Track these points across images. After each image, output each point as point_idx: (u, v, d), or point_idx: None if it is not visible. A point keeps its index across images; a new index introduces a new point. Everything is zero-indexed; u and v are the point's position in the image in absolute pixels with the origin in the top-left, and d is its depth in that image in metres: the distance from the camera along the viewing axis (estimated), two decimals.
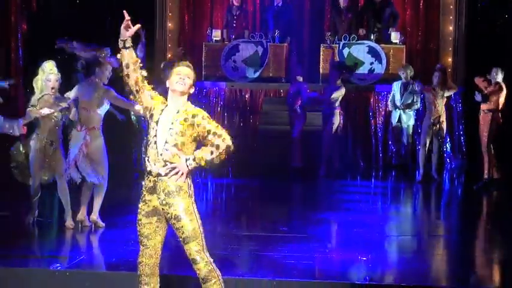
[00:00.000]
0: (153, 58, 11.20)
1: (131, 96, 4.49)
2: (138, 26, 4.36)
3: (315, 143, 11.12)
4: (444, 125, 10.41)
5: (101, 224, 7.07)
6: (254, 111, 12.02)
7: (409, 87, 10.89)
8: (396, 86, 11.03)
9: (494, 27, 11.91)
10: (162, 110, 4.37)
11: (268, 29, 12.50)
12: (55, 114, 6.75)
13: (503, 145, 10.07)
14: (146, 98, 4.41)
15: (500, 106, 9.88)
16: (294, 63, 11.82)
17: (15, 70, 9.90)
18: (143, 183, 4.40)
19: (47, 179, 6.95)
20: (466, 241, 7.14)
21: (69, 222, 6.96)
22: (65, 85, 7.01)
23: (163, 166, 4.30)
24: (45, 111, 6.68)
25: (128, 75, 4.36)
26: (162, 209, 4.35)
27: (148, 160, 4.36)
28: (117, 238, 6.64)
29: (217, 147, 4.27)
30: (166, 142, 4.31)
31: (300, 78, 11.12)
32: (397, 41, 12.05)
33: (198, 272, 4.34)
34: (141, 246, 4.43)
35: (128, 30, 4.32)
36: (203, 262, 4.31)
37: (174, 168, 4.30)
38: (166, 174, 4.30)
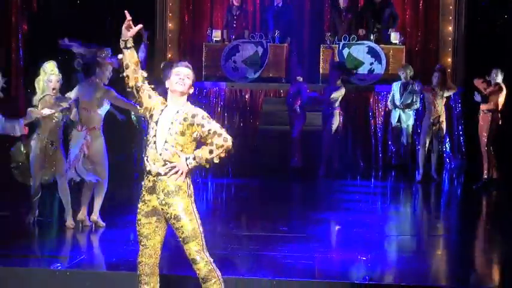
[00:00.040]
0: (153, 58, 11.22)
1: (131, 97, 4.51)
2: (139, 26, 4.37)
3: (315, 143, 11.14)
4: (444, 125, 10.42)
5: (101, 223, 7.09)
6: (254, 112, 12.03)
7: (408, 87, 10.91)
8: (396, 86, 11.05)
9: (493, 27, 11.92)
10: (162, 110, 4.38)
11: (268, 29, 12.51)
12: (56, 114, 6.77)
13: (502, 145, 10.08)
14: (146, 98, 4.41)
15: (500, 107, 9.89)
16: (294, 63, 11.84)
17: (16, 70, 9.91)
18: (143, 183, 4.41)
19: (48, 179, 6.97)
20: (466, 241, 7.15)
21: (69, 222, 6.98)
22: (65, 85, 7.02)
23: (163, 166, 4.31)
24: (46, 111, 6.69)
25: (128, 76, 4.37)
26: (162, 209, 4.35)
27: (147, 160, 4.36)
28: (118, 238, 6.66)
29: (217, 146, 4.27)
30: (166, 142, 4.32)
31: (300, 79, 11.14)
32: (397, 42, 12.07)
33: (197, 271, 4.34)
34: (141, 246, 4.43)
35: (130, 31, 4.33)
36: (203, 262, 4.32)
37: (173, 167, 4.30)
38: (166, 174, 4.30)
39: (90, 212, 7.12)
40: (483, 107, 9.94)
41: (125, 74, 4.38)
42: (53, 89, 6.76)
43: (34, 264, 5.84)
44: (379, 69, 11.98)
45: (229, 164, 10.69)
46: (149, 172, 4.36)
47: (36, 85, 6.82)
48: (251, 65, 12.26)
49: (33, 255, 6.21)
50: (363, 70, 12.03)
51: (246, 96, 12.12)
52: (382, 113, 11.72)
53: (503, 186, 9.96)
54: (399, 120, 11.12)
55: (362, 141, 11.80)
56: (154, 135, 4.35)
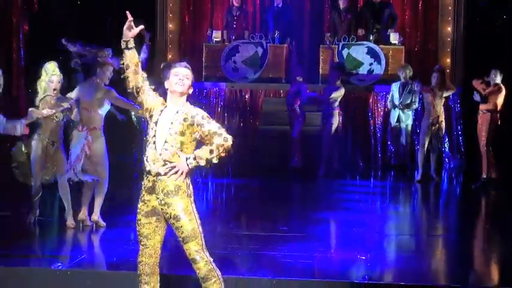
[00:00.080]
0: (153, 59, 11.23)
1: (131, 97, 4.53)
2: (141, 27, 4.37)
3: (315, 143, 11.16)
4: (443, 125, 10.45)
5: (102, 223, 7.10)
6: (254, 112, 12.05)
7: (407, 87, 10.94)
8: (395, 86, 11.08)
9: (492, 28, 11.94)
10: (162, 111, 4.39)
11: (268, 29, 12.53)
12: (57, 114, 6.79)
13: (501, 145, 10.10)
14: (146, 99, 4.42)
15: (499, 107, 9.92)
16: (294, 63, 11.86)
17: (17, 70, 9.93)
18: (142, 183, 4.42)
19: (49, 179, 6.98)
20: (465, 240, 7.16)
21: (70, 222, 6.99)
22: (65, 86, 7.04)
23: (163, 166, 4.32)
24: (47, 111, 6.72)
25: (128, 76, 4.38)
26: (161, 208, 4.36)
27: (147, 160, 4.37)
28: (118, 238, 6.67)
29: (218, 146, 4.28)
30: (165, 142, 4.33)
31: (300, 79, 11.16)
32: (396, 42, 12.09)
33: (197, 271, 4.35)
34: (141, 246, 4.44)
35: (131, 31, 4.34)
36: (203, 262, 4.33)
37: (173, 167, 4.31)
38: (165, 174, 4.31)
39: (90, 211, 7.13)
40: (482, 107, 9.97)
41: (125, 75, 4.40)
42: (54, 89, 6.79)
43: (35, 264, 5.84)
44: (378, 69, 12.00)
45: (229, 164, 10.70)
46: (149, 172, 4.37)
47: (38, 85, 6.84)
48: (251, 66, 12.29)
49: (34, 255, 6.22)
50: (362, 70, 12.05)
51: (246, 97, 12.14)
52: (382, 113, 11.74)
53: (502, 186, 9.98)
54: (398, 120, 11.14)
55: (361, 141, 11.83)
56: (154, 136, 4.36)
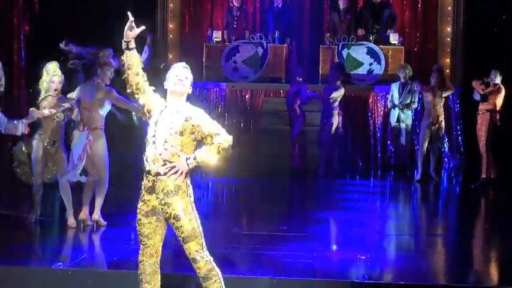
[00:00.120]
0: (154, 59, 11.25)
1: (132, 97, 4.54)
2: (142, 27, 4.39)
3: (315, 143, 11.19)
4: (443, 125, 10.47)
5: (103, 223, 7.12)
6: (254, 112, 12.06)
7: (407, 87, 10.96)
8: (395, 86, 11.11)
9: (492, 28, 11.95)
10: (162, 111, 4.41)
11: (268, 30, 12.54)
12: (57, 114, 6.82)
13: (500, 145, 10.11)
14: (147, 99, 4.44)
15: (498, 107, 9.94)
16: (294, 64, 11.88)
17: (18, 71, 9.95)
18: (142, 183, 4.43)
19: (50, 178, 7.01)
20: (464, 240, 7.17)
21: (71, 221, 7.01)
22: (66, 86, 7.06)
23: (163, 165, 4.33)
24: (48, 111, 6.74)
25: (129, 77, 4.40)
26: (161, 208, 4.38)
27: (147, 160, 4.39)
28: (119, 237, 6.69)
29: (218, 146, 4.30)
30: (165, 142, 4.34)
31: (300, 79, 11.18)
32: (396, 42, 12.11)
33: (198, 271, 4.37)
34: (142, 246, 4.46)
35: (132, 32, 4.35)
36: (203, 261, 4.35)
37: (173, 167, 4.32)
38: (165, 174, 4.33)
39: (91, 211, 7.15)
40: (482, 107, 9.99)
41: (126, 75, 4.42)
42: (55, 89, 6.82)
43: (36, 264, 5.86)
44: (378, 69, 12.02)
45: (230, 163, 10.71)
46: (149, 172, 4.38)
47: (40, 86, 6.87)
48: (251, 66, 12.31)
49: (34, 255, 6.24)
50: (362, 70, 12.07)
51: (246, 97, 12.15)
52: (381, 113, 11.76)
53: (501, 185, 9.99)
54: (398, 120, 11.17)
55: (361, 141, 11.84)
56: (154, 136, 4.37)
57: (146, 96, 4.44)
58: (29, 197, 7.23)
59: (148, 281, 4.48)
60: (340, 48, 12.08)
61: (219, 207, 8.99)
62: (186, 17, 13.45)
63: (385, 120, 11.67)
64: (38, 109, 6.80)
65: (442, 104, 10.39)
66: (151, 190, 4.39)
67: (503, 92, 9.94)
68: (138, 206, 4.44)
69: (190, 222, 4.34)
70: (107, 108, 7.06)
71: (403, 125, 11.17)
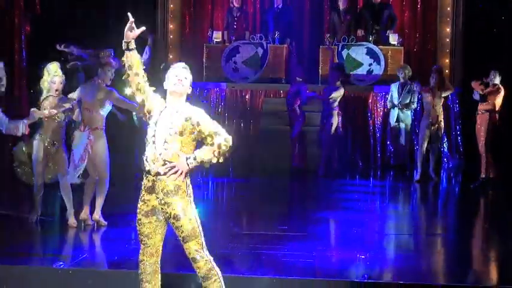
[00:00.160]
0: (154, 60, 11.27)
1: (133, 97, 4.56)
2: (142, 28, 4.40)
3: (315, 143, 11.21)
4: (442, 125, 10.49)
5: (103, 222, 7.14)
6: (254, 112, 12.08)
7: (406, 87, 10.99)
8: (394, 87, 11.14)
9: (491, 28, 11.97)
10: (161, 111, 4.42)
11: (268, 30, 12.56)
12: (58, 115, 6.84)
13: (499, 145, 10.13)
14: (147, 100, 4.45)
15: (497, 107, 9.96)
16: (294, 64, 11.91)
17: (19, 71, 9.95)
18: (142, 182, 4.45)
19: (51, 178, 7.03)
20: (463, 240, 7.19)
21: (71, 221, 7.03)
22: (67, 86, 7.08)
23: (163, 165, 4.35)
24: (49, 112, 6.76)
25: (130, 77, 4.41)
26: (161, 208, 4.39)
27: (147, 160, 4.40)
28: (119, 237, 6.70)
29: (218, 146, 4.31)
30: (165, 142, 4.36)
31: (300, 79, 11.20)
32: (395, 43, 12.13)
33: (197, 270, 4.39)
34: (142, 245, 4.47)
35: (132, 32, 4.36)
36: (203, 261, 4.36)
37: (173, 167, 4.33)
38: (165, 174, 4.34)
39: (92, 211, 7.17)
40: (481, 107, 10.01)
41: (126, 76, 4.43)
42: (56, 90, 6.84)
43: (37, 263, 5.87)
44: (377, 70, 12.04)
45: (230, 163, 10.74)
46: (148, 172, 4.40)
47: (42, 86, 6.90)
48: (251, 66, 12.33)
49: (35, 254, 6.26)
50: (361, 71, 12.09)
51: (247, 97, 12.18)
52: (381, 113, 11.78)
53: (500, 185, 10.00)
54: (398, 120, 11.19)
55: (361, 141, 11.86)
56: (153, 136, 4.39)
57: (146, 96, 4.45)
58: (29, 197, 7.26)
59: (149, 280, 4.49)
60: (340, 48, 12.10)
61: (219, 207, 9.00)
62: (187, 18, 13.48)
63: (384, 120, 11.70)
64: (39, 109, 6.82)
65: (441, 104, 10.41)
66: (151, 190, 4.40)
67: (502, 92, 9.96)
68: (138, 205, 4.45)
69: (190, 222, 4.35)
70: (107, 108, 7.08)
71: (402, 125, 11.19)
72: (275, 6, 12.64)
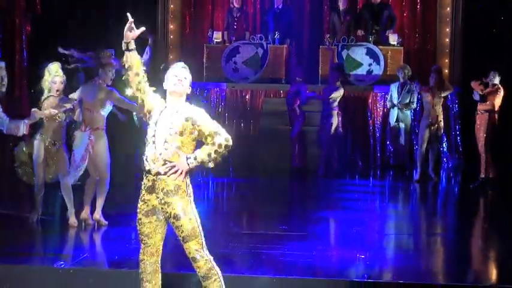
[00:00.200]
0: (154, 60, 11.28)
1: (133, 98, 4.57)
2: (142, 29, 4.41)
3: (315, 143, 11.23)
4: (442, 125, 10.51)
5: (104, 222, 7.15)
6: (254, 112, 12.11)
7: (406, 87, 11.02)
8: (394, 87, 11.17)
9: (490, 28, 11.99)
10: (161, 111, 4.44)
11: (268, 30, 12.58)
12: (59, 115, 6.86)
13: (499, 145, 10.15)
14: (147, 100, 4.47)
15: (497, 107, 9.98)
16: (293, 64, 11.93)
17: (20, 71, 9.97)
18: (142, 182, 4.46)
19: (52, 178, 7.05)
20: (463, 239, 7.20)
21: (72, 221, 7.04)
22: (67, 86, 7.10)
23: (163, 165, 4.36)
24: (50, 112, 6.78)
25: (130, 77, 4.43)
26: (161, 208, 4.40)
27: (147, 159, 4.42)
28: (120, 236, 6.71)
29: (218, 145, 4.32)
30: (165, 142, 4.37)
31: (299, 80, 11.22)
32: (395, 43, 12.15)
33: (198, 270, 4.40)
34: (142, 245, 4.49)
35: (131, 33, 4.38)
36: (203, 260, 4.38)
37: (173, 166, 4.35)
38: (165, 173, 4.35)
39: (92, 210, 7.18)
40: (480, 107, 10.03)
41: (126, 76, 4.45)
42: (57, 90, 6.87)
43: (37, 262, 5.88)
44: (377, 70, 12.06)
45: (230, 163, 10.75)
46: (149, 172, 4.41)
47: (43, 85, 6.92)
48: (251, 66, 12.35)
49: (36, 253, 6.28)
50: (361, 71, 12.12)
51: (247, 97, 12.20)
52: (381, 113, 11.81)
53: (499, 185, 10.03)
54: (397, 120, 11.21)
55: (361, 141, 11.89)
56: (154, 136, 4.40)
57: (146, 96, 4.47)
58: (30, 197, 7.27)
59: (149, 279, 4.51)
60: (339, 49, 12.12)
61: (219, 207, 9.01)
62: (187, 18, 13.50)
63: (384, 120, 11.72)
64: (40, 109, 6.84)
65: (441, 104, 10.43)
66: (152, 190, 4.42)
67: (501, 93, 9.98)
68: (139, 205, 4.47)
69: (190, 221, 4.36)
70: (108, 108, 7.10)
71: (402, 125, 11.21)
72: (275, 6, 12.66)
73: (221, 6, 13.55)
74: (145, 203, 4.44)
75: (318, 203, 8.93)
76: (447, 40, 12.48)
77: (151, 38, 10.72)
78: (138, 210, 4.48)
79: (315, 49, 12.55)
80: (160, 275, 4.56)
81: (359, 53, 12.10)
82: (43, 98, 6.91)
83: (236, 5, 12.67)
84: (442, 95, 10.45)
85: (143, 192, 4.46)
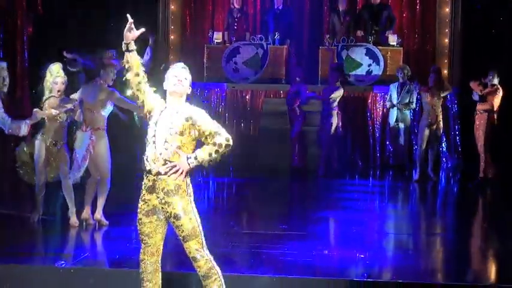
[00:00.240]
0: (155, 60, 11.31)
1: (134, 98, 4.59)
2: (141, 30, 4.43)
3: (315, 143, 11.25)
4: (441, 125, 10.53)
5: (105, 222, 7.17)
6: (254, 112, 12.12)
7: (406, 87, 11.04)
8: (393, 87, 11.19)
9: (489, 29, 12.01)
10: (162, 111, 4.46)
11: (268, 31, 12.60)
12: (60, 115, 6.89)
13: (498, 145, 10.17)
14: (147, 100, 4.49)
15: (496, 107, 10.00)
16: (293, 65, 11.95)
17: (21, 72, 9.99)
18: (143, 182, 4.48)
19: (53, 177, 7.07)
20: (462, 239, 7.20)
21: (73, 221, 7.06)
22: (68, 86, 7.12)
23: (163, 165, 4.38)
24: (52, 112, 6.81)
25: (130, 78, 4.45)
26: (162, 207, 4.42)
27: (147, 159, 4.44)
28: (120, 236, 6.72)
29: (218, 145, 4.34)
30: (166, 142, 4.39)
31: (299, 80, 11.23)
32: (395, 43, 12.17)
33: (198, 269, 4.42)
34: (143, 244, 4.50)
35: (131, 33, 4.40)
36: (203, 260, 4.40)
37: (174, 166, 4.36)
38: (166, 173, 4.37)
39: (93, 210, 7.20)
40: (479, 107, 10.05)
41: (126, 76, 4.47)
42: (58, 91, 6.89)
43: (38, 262, 5.90)
44: (377, 70, 12.08)
45: (230, 163, 10.76)
46: (149, 171, 4.43)
47: (44, 86, 6.94)
48: (251, 67, 12.38)
49: (37, 253, 6.29)
50: (361, 71, 12.14)
51: (247, 97, 12.22)
52: (380, 113, 11.83)
53: (498, 185, 10.04)
54: (397, 120, 11.23)
55: (360, 141, 11.90)
56: (154, 136, 4.42)
57: (146, 97, 4.48)
58: (31, 196, 7.29)
59: (150, 279, 4.52)
60: (339, 49, 12.15)
61: (219, 207, 9.02)
62: (187, 19, 13.53)
63: (383, 120, 11.74)
64: (41, 110, 6.87)
65: (440, 104, 10.45)
66: (152, 189, 4.43)
67: (500, 93, 10.00)
68: (139, 205, 4.48)
69: (190, 221, 4.38)
70: (109, 108, 7.12)
71: (401, 125, 11.23)
72: (275, 7, 12.69)
73: (221, 6, 13.58)
74: (146, 202, 4.46)
75: (318, 203, 8.94)
76: (446, 40, 12.51)
77: (151, 39, 10.75)
78: (138, 210, 4.49)
79: (314, 49, 12.57)
80: (160, 274, 4.57)
81: (359, 54, 12.12)
82: (44, 98, 6.94)
83: (236, 6, 12.69)
84: (442, 95, 10.47)
85: (143, 192, 4.47)
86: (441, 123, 10.49)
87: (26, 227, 7.05)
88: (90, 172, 7.19)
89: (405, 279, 5.43)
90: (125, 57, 4.44)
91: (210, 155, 4.36)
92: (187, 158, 4.37)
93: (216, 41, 12.51)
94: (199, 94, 11.86)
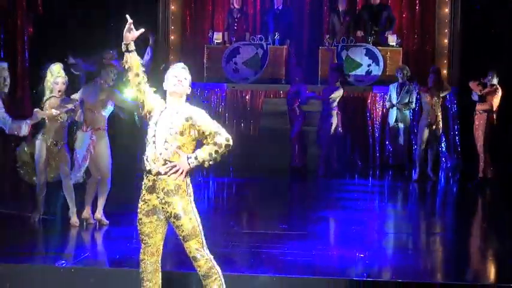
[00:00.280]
0: (155, 60, 11.32)
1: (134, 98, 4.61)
2: (141, 30, 4.44)
3: (314, 143, 11.26)
4: (441, 125, 10.54)
5: (105, 221, 7.18)
6: (254, 112, 12.14)
7: (405, 87, 11.06)
8: (393, 87, 11.21)
9: (488, 29, 12.02)
10: (162, 112, 4.47)
11: (268, 31, 12.61)
12: (61, 115, 6.90)
13: (497, 145, 10.18)
14: (147, 100, 4.50)
15: (495, 107, 10.01)
16: (293, 65, 11.97)
17: (22, 72, 10.00)
18: (143, 182, 4.49)
19: (54, 177, 7.09)
20: (462, 239, 7.21)
21: (73, 220, 7.07)
22: (69, 86, 7.14)
23: (163, 165, 4.39)
24: (52, 112, 6.82)
25: (130, 78, 4.46)
26: (162, 207, 4.43)
27: (147, 159, 4.45)
28: (121, 236, 6.72)
29: (218, 145, 4.35)
30: (166, 142, 4.40)
31: (299, 80, 11.24)
32: (394, 44, 12.19)
33: (198, 269, 4.43)
34: (143, 244, 4.52)
35: (131, 34, 4.41)
36: (203, 259, 4.41)
37: (174, 166, 4.38)
38: (166, 173, 4.38)
39: (94, 210, 7.21)
40: (479, 107, 10.06)
41: (126, 77, 4.49)
42: (59, 91, 6.90)
43: (39, 261, 5.89)
44: (376, 70, 12.10)
45: (230, 163, 10.77)
46: (149, 171, 4.44)
47: (45, 86, 6.96)
48: (251, 67, 12.39)
49: (38, 253, 6.29)
50: (361, 71, 12.16)
51: (247, 97, 12.23)
52: (380, 113, 11.85)
53: (498, 185, 10.05)
54: (396, 120, 11.25)
55: (360, 141, 11.92)
56: (154, 136, 4.43)
57: (146, 97, 4.49)
58: (32, 196, 7.29)
59: (150, 279, 4.54)
60: (339, 49, 12.17)
61: (219, 207, 9.03)
62: (187, 19, 13.55)
63: (383, 120, 11.76)
64: (42, 110, 6.89)
65: (439, 104, 10.47)
66: (152, 189, 4.45)
67: (500, 93, 10.01)
68: (139, 205, 4.50)
69: (190, 221, 4.39)
70: (109, 109, 7.14)
71: (401, 125, 11.25)
72: (275, 7, 12.70)
73: (221, 7, 13.59)
74: (146, 202, 4.47)
75: (318, 203, 8.94)
76: (446, 41, 12.53)
77: (152, 39, 10.75)
78: (138, 210, 4.50)
79: (314, 50, 12.59)
80: (160, 274, 4.59)
81: (358, 54, 12.14)
82: (45, 98, 6.96)
83: (236, 6, 12.71)
84: (441, 96, 10.48)
85: (144, 192, 4.49)
86: (440, 123, 10.50)
87: (26, 227, 7.06)
88: (90, 172, 7.20)
89: (405, 278, 5.43)
90: (124, 57, 4.45)
91: (210, 155, 4.37)
92: (188, 158, 4.38)
93: (216, 41, 12.53)
94: (199, 94, 11.88)
